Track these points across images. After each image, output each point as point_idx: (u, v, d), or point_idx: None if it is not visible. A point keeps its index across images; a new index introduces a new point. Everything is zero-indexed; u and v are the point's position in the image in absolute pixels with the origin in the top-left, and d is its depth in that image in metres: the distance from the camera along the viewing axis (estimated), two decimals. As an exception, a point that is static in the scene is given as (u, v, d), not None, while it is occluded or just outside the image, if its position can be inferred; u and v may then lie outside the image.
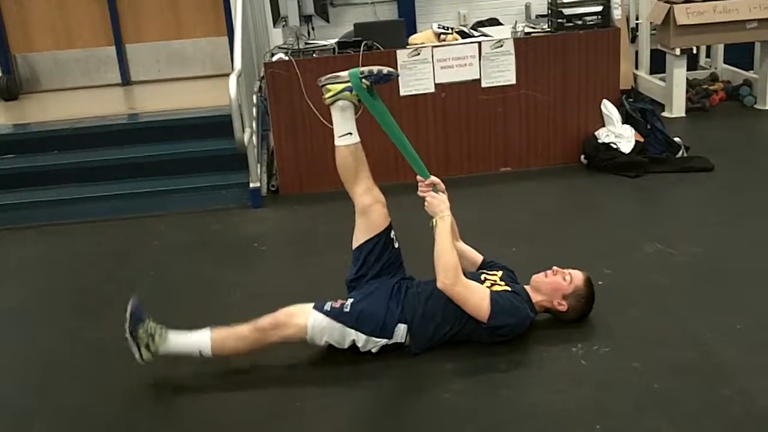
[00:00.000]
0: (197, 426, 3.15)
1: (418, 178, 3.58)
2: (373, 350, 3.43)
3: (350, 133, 3.56)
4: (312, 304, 3.45)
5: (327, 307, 3.43)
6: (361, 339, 3.39)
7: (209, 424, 3.14)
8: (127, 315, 3.39)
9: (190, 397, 3.34)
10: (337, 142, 3.58)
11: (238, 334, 3.40)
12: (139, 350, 3.35)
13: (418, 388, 3.28)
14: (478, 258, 3.81)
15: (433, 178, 3.57)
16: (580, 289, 3.52)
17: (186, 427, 3.16)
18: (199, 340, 3.39)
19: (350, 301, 3.45)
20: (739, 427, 2.85)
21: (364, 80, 3.47)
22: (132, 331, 3.36)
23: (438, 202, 3.50)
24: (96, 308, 4.25)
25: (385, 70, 3.53)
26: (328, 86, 3.52)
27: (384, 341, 3.41)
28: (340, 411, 3.17)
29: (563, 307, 3.51)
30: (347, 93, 3.49)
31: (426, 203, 3.54)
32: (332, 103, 3.53)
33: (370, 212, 3.56)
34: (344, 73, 3.52)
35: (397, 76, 3.60)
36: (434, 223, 3.48)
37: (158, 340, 3.36)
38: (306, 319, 3.40)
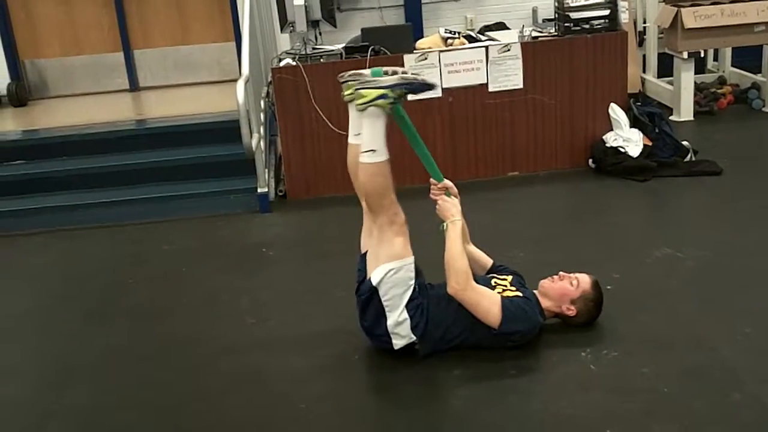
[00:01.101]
0: (207, 428, 3.15)
1: (432, 180, 3.57)
2: (396, 343, 3.38)
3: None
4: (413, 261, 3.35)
5: (423, 277, 3.40)
6: (401, 316, 3.31)
7: (217, 426, 3.14)
8: (417, 81, 3.23)
9: (201, 404, 3.34)
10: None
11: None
12: (377, 97, 3.16)
13: (426, 394, 3.27)
14: (488, 262, 3.80)
15: (447, 182, 3.56)
16: (587, 292, 3.52)
17: (197, 428, 3.17)
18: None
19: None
20: (750, 432, 2.84)
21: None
22: (402, 87, 3.19)
23: (449, 206, 3.50)
24: (107, 312, 4.27)
25: (429, 80, 3.28)
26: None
27: (413, 339, 3.37)
28: (346, 415, 3.17)
29: (572, 311, 3.51)
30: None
31: (437, 207, 3.54)
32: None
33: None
34: (367, 71, 3.26)
35: (433, 87, 3.34)
36: (445, 227, 3.47)
37: (386, 108, 3.19)
38: (403, 252, 3.30)
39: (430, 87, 3.30)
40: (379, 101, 3.17)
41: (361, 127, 3.27)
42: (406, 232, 3.34)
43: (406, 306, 3.34)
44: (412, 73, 3.28)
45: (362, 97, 3.18)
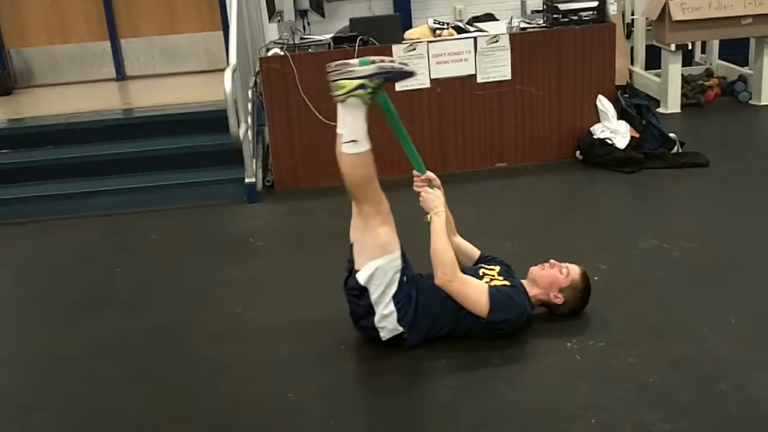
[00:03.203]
0: (195, 419, 3.15)
1: (414, 172, 3.57)
2: (383, 335, 3.40)
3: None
4: (400, 252, 3.36)
5: (411, 267, 3.39)
6: (387, 309, 3.33)
7: (206, 418, 3.14)
8: (395, 70, 3.23)
9: (188, 392, 3.33)
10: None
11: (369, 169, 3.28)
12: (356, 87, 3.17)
13: (413, 383, 3.28)
14: (476, 252, 3.81)
15: (429, 174, 3.56)
16: (576, 282, 3.53)
17: (184, 420, 3.16)
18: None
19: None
20: (735, 421, 2.86)
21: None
22: (379, 76, 3.18)
23: (433, 198, 3.50)
24: (95, 302, 4.26)
25: (407, 68, 3.25)
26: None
27: (399, 331, 3.38)
28: (334, 406, 3.17)
29: (559, 300, 3.52)
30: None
31: (421, 199, 3.54)
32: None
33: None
34: (354, 61, 3.21)
35: (414, 75, 3.33)
36: (429, 219, 3.47)
37: (366, 98, 3.19)
38: (390, 242, 3.31)
39: (409, 75, 3.29)
40: (358, 91, 3.16)
41: (343, 118, 3.25)
42: (391, 221, 3.35)
43: (393, 298, 3.35)
44: (400, 63, 3.27)
45: (341, 88, 3.17)
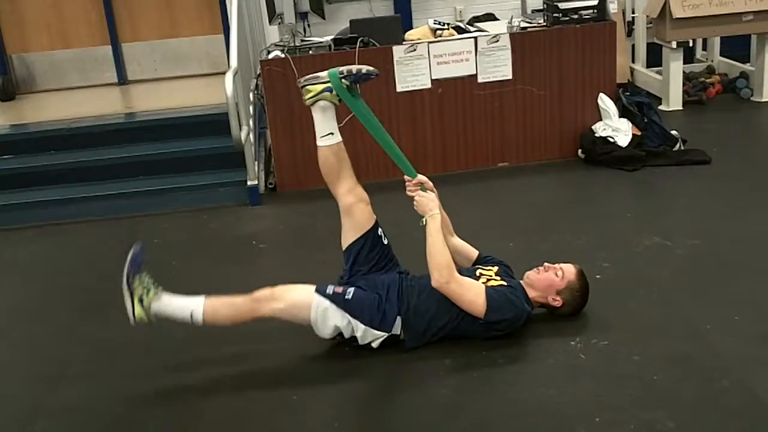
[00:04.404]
0: (199, 422, 3.15)
1: (406, 177, 3.58)
2: (374, 344, 3.43)
3: (331, 134, 3.56)
4: (314, 287, 3.45)
5: (329, 290, 3.43)
6: (359, 329, 3.39)
7: (210, 417, 3.15)
8: (128, 259, 3.43)
9: (192, 395, 3.34)
10: (319, 142, 3.58)
11: (232, 302, 3.45)
12: (133, 304, 3.39)
13: (414, 384, 3.28)
14: (473, 253, 3.80)
15: (421, 177, 3.56)
16: (573, 283, 3.53)
17: (188, 423, 3.16)
18: (192, 304, 3.43)
19: (351, 289, 3.45)
20: (738, 418, 2.85)
21: (343, 80, 3.46)
22: (129, 278, 3.39)
23: (427, 201, 3.49)
24: (98, 307, 4.25)
25: (365, 69, 3.50)
26: (308, 87, 3.51)
27: (384, 335, 3.41)
28: (336, 406, 3.17)
29: (558, 302, 3.52)
30: (327, 93, 3.48)
31: (415, 203, 3.53)
32: (313, 103, 3.52)
33: (354, 211, 3.56)
34: (324, 74, 3.50)
35: (377, 75, 3.57)
36: (424, 222, 3.47)
37: (152, 296, 3.39)
38: (302, 296, 3.42)
39: (371, 75, 3.52)
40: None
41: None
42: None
43: (357, 319, 3.40)
44: (367, 69, 3.51)
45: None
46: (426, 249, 3.41)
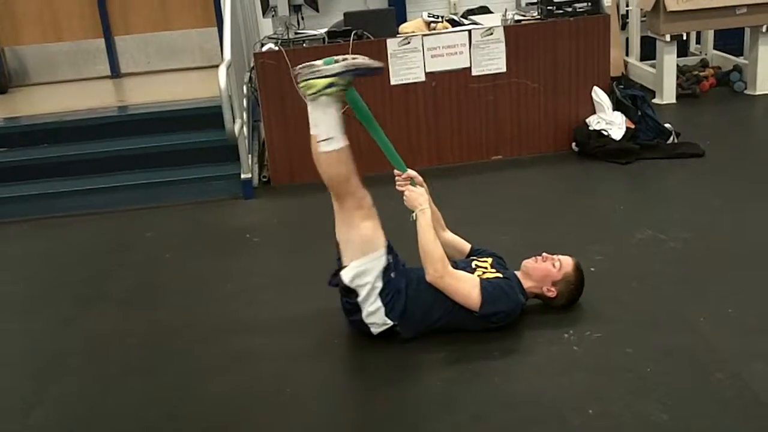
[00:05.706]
0: (192, 415, 3.15)
1: (395, 171, 3.56)
2: (373, 330, 3.41)
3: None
4: (387, 242, 3.37)
5: (393, 257, 3.37)
6: (374, 305, 3.33)
7: (203, 409, 3.14)
8: (366, 64, 3.25)
9: (186, 388, 3.33)
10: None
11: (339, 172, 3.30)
12: (326, 84, 3.19)
13: (410, 376, 3.28)
14: (466, 246, 3.80)
15: (410, 172, 3.55)
16: (569, 275, 3.53)
17: (182, 416, 3.16)
18: (338, 137, 3.27)
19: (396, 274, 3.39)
20: (732, 410, 2.86)
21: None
22: (348, 71, 3.20)
23: (416, 196, 3.48)
24: (92, 299, 4.25)
25: (375, 63, 3.29)
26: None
27: (389, 324, 3.37)
28: (332, 398, 3.18)
29: (552, 293, 3.52)
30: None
31: (404, 198, 3.51)
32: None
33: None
34: (320, 62, 3.23)
35: (380, 68, 3.36)
36: (415, 217, 3.46)
37: (333, 96, 3.21)
38: (377, 237, 3.31)
39: (377, 69, 3.32)
40: (329, 89, 3.20)
41: (316, 117, 3.28)
42: (374, 215, 3.37)
43: (380, 295, 3.34)
44: (362, 60, 3.28)
45: (311, 88, 3.21)
46: (418, 244, 3.40)
